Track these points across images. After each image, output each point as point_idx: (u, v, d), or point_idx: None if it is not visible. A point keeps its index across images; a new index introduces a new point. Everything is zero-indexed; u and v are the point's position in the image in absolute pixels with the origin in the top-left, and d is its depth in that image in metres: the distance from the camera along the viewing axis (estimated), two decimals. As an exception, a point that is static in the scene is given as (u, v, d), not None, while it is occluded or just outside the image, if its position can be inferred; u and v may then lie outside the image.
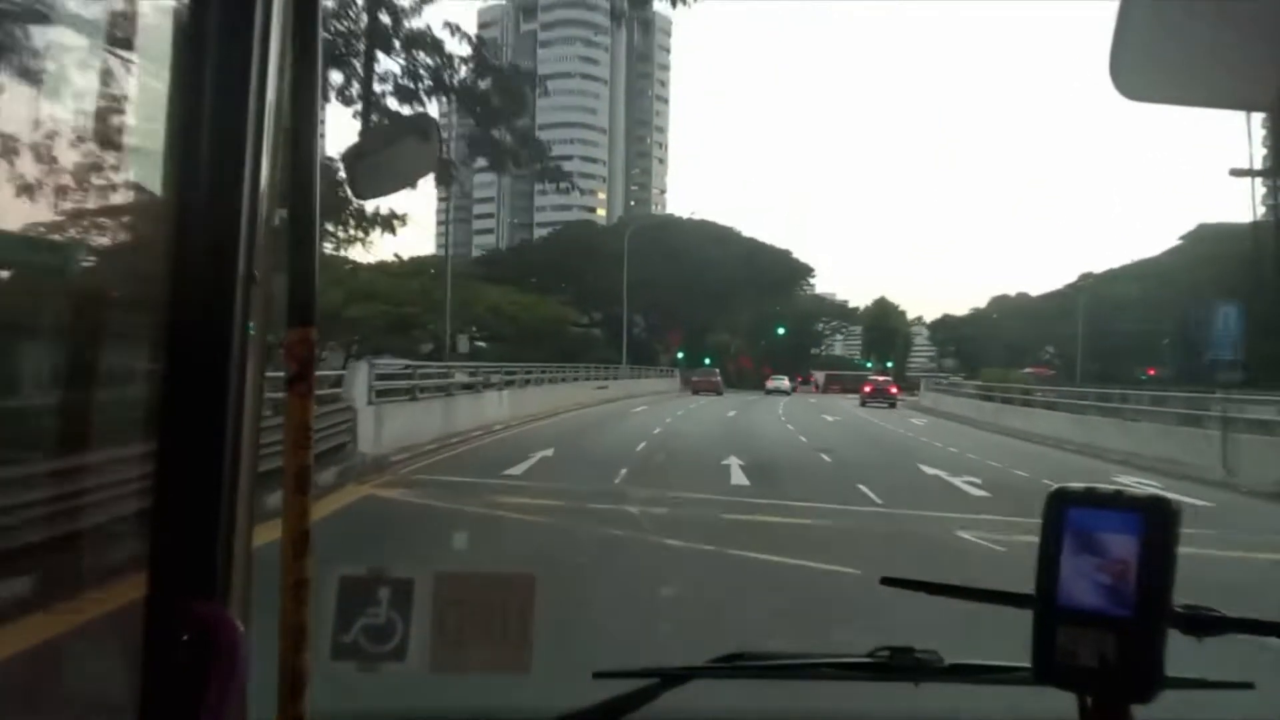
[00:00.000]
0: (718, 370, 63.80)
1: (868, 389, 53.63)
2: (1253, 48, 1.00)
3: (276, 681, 1.12)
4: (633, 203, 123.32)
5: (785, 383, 65.91)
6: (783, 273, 78.70)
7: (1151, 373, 67.88)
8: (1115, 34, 1.02)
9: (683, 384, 65.54)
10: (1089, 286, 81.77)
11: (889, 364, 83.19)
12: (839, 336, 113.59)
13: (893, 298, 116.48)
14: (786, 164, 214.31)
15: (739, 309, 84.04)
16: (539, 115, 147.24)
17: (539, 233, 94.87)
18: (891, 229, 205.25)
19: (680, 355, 72.96)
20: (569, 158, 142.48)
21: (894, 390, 53.85)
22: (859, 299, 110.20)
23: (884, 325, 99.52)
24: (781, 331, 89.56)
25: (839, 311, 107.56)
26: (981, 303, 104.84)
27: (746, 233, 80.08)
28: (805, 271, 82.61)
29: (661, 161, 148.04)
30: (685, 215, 78.17)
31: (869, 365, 79.69)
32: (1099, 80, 1.04)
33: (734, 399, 52.59)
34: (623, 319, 62.88)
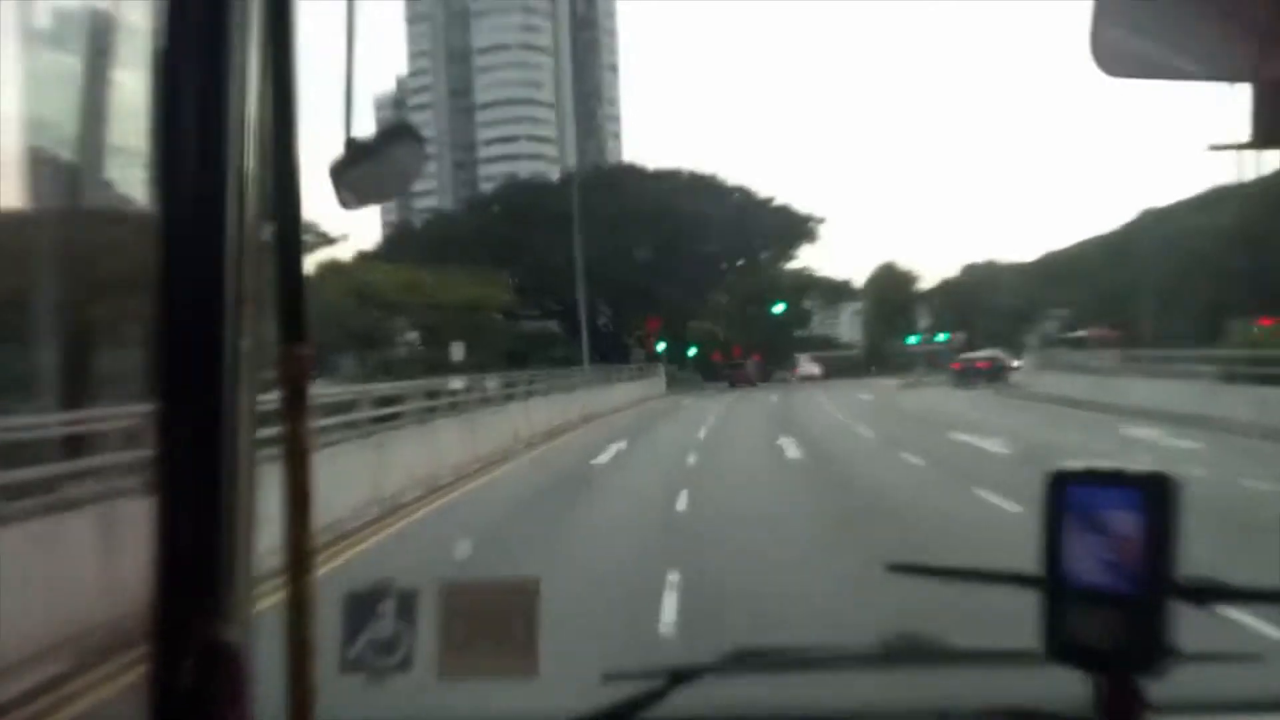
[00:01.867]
0: (746, 363, 59.14)
1: (957, 367, 43.11)
2: (1230, 20, 1.00)
3: (284, 699, 1.09)
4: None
5: (816, 369, 64.39)
6: (783, 230, 60.08)
7: (1267, 323, 51.75)
8: (1094, 12, 1.01)
9: (670, 385, 48.77)
10: (1150, 225, 63.73)
11: (945, 337, 64.99)
12: (815, 316, 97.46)
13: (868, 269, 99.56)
14: (753, 136, 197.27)
15: (728, 285, 66.74)
16: (478, 93, 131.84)
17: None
18: (860, 197, 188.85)
19: (662, 347, 54.95)
20: (514, 138, 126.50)
21: (983, 365, 41.01)
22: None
23: (893, 297, 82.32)
24: (780, 309, 72.99)
25: (829, 287, 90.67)
26: (952, 272, 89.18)
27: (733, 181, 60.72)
28: (809, 227, 63.30)
29: (616, 137, 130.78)
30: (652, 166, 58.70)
31: (911, 341, 61.64)
32: (1080, 57, 1.01)
33: (757, 400, 35.23)
34: (584, 305, 45.41)
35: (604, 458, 17.79)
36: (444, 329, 38.60)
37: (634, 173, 57.25)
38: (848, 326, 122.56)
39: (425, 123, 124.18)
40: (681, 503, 11.76)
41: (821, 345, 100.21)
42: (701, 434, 22.01)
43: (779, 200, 58.60)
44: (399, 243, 53.57)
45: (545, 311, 56.23)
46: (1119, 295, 70.97)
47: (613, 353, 51.89)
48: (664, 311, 57.55)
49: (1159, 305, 56.56)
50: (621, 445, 19.59)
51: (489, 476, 15.79)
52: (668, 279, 56.42)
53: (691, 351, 66.17)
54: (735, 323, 79.35)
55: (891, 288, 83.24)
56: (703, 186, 54.87)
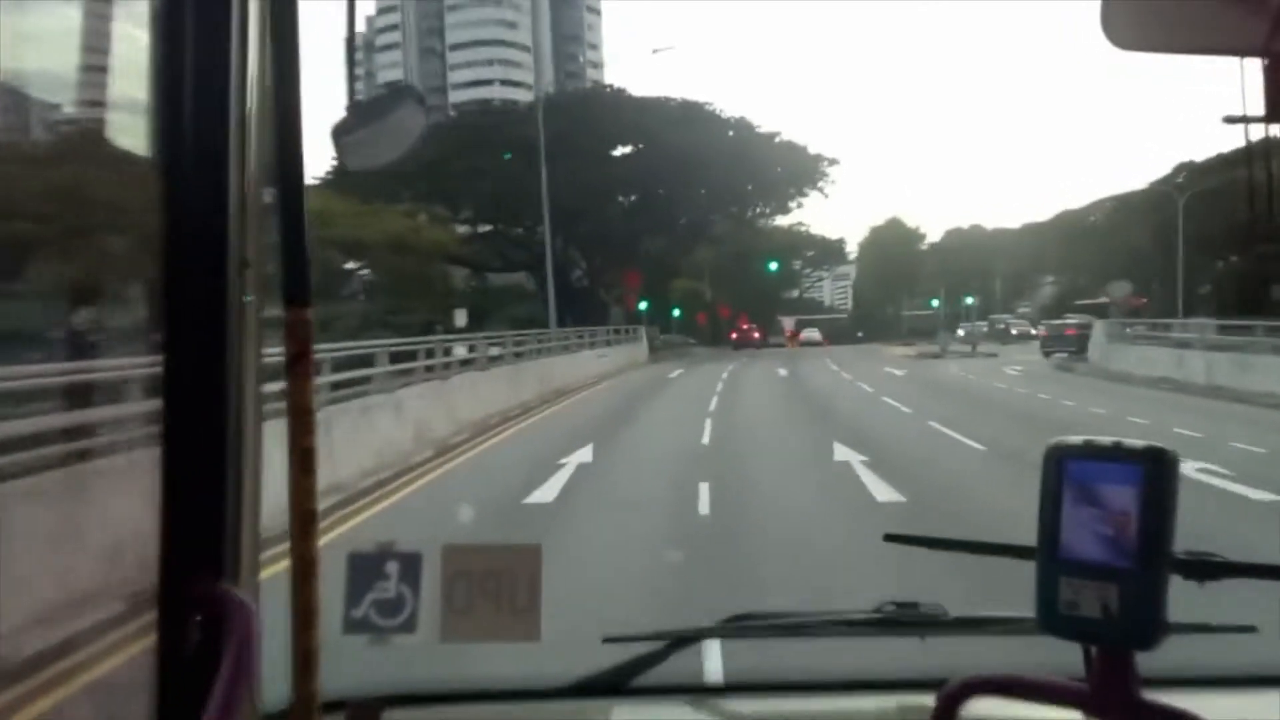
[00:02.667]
0: (753, 326, 58.53)
1: (1044, 334, 38.75)
2: None
3: (288, 659, 1.09)
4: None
5: (816, 334, 63.61)
6: (789, 172, 48.97)
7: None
8: None
9: (653, 351, 41.42)
10: (1187, 183, 55.98)
11: (971, 300, 56.40)
12: (807, 279, 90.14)
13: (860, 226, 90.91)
14: (747, 85, 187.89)
15: (716, 238, 58.86)
16: (449, 34, 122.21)
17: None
18: (850, 152, 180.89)
19: (643, 306, 47.03)
20: (488, 82, 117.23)
21: (1071, 333, 35.28)
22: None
23: (897, 255, 74.65)
24: (774, 267, 65.76)
25: (823, 246, 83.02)
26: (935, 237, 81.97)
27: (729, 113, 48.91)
28: (820, 169, 50.46)
29: (599, 84, 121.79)
30: (638, 87, 46.96)
31: (936, 305, 53.09)
32: (1089, 27, 0.96)
33: (764, 373, 27.81)
34: (551, 254, 37.92)
35: (550, 486, 10.17)
36: (375, 278, 30.93)
37: (614, 98, 47.51)
38: (830, 290, 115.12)
39: (393, 64, 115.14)
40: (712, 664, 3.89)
41: (808, 309, 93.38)
42: (706, 436, 14.39)
43: (784, 137, 48.77)
44: (343, 177, 44.22)
45: (510, 263, 48.31)
46: (1137, 258, 63.97)
47: (588, 312, 44.26)
48: (646, 266, 49.78)
49: (1189, 269, 49.21)
50: (579, 462, 11.84)
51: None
52: (652, 227, 48.43)
53: (675, 313, 58.66)
54: (722, 281, 71.75)
55: (895, 245, 75.67)
56: (696, 117, 45.59)
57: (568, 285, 48.05)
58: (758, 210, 51.97)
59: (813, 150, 48.77)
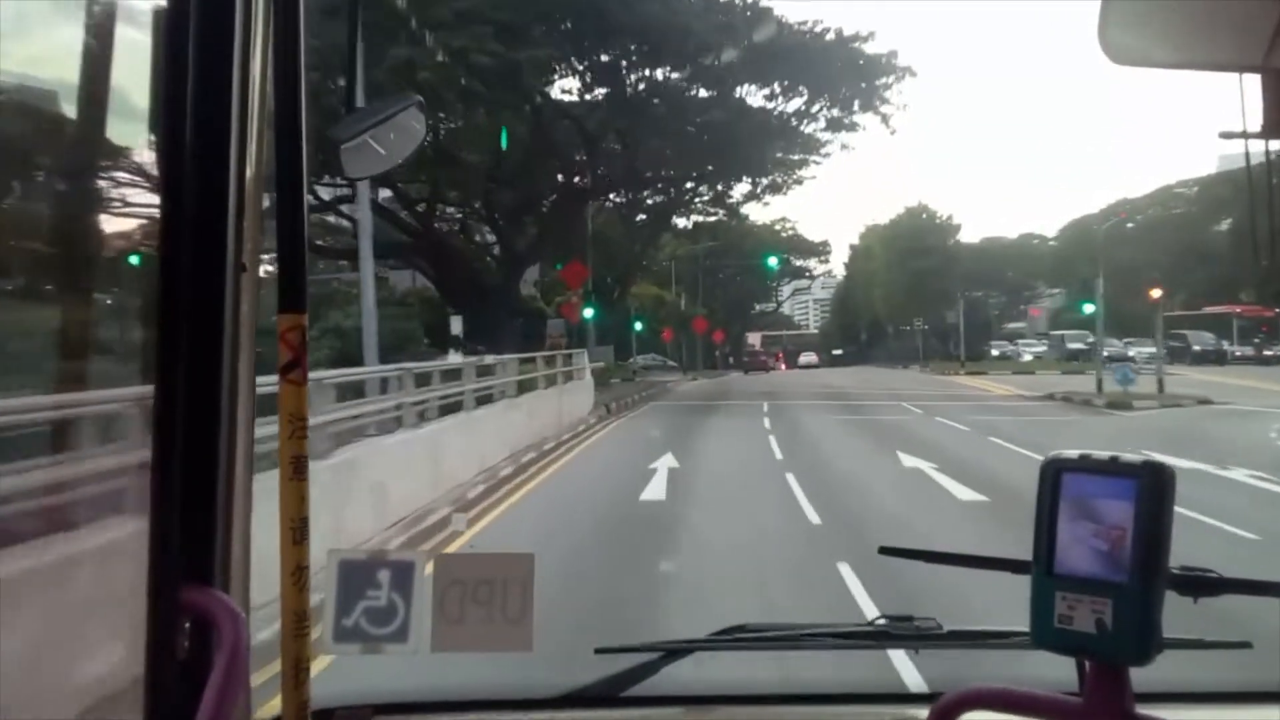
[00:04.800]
0: (764, 344, 58.72)
1: None
2: (1238, 7, 0.99)
3: (279, 667, 1.07)
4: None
5: (814, 356, 64.08)
6: (844, 79, 27.13)
7: None
8: (1103, 1, 0.98)
9: (604, 388, 23.25)
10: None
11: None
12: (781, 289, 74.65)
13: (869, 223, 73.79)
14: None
15: (689, 231, 40.98)
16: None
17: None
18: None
19: (590, 314, 28.03)
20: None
21: None
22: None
23: (925, 249, 56.86)
24: (774, 263, 49.42)
25: (808, 249, 65.97)
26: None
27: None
28: (887, 78, 27.91)
29: None
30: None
31: (1088, 309, 32.69)
32: (1087, 44, 0.95)
33: (868, 470, 9.08)
34: (448, 230, 19.48)
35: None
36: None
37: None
38: (789, 304, 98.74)
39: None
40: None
41: (774, 324, 78.84)
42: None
43: (823, 27, 27.40)
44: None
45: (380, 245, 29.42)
46: (1207, 259, 47.83)
47: (503, 322, 26.03)
48: (596, 253, 31.58)
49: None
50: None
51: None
52: (605, 189, 30.14)
53: (638, 328, 40.75)
54: (691, 285, 54.34)
55: (923, 240, 57.80)
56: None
57: (472, 280, 29.47)
58: (770, 176, 32.97)
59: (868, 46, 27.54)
